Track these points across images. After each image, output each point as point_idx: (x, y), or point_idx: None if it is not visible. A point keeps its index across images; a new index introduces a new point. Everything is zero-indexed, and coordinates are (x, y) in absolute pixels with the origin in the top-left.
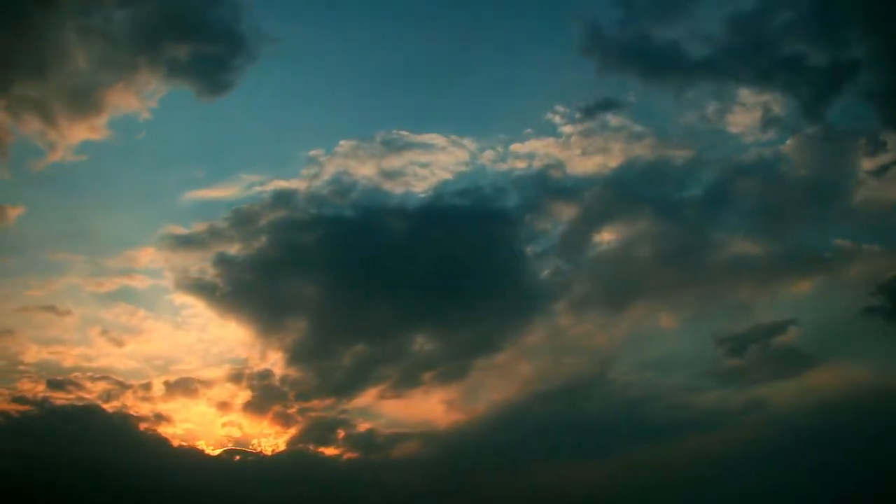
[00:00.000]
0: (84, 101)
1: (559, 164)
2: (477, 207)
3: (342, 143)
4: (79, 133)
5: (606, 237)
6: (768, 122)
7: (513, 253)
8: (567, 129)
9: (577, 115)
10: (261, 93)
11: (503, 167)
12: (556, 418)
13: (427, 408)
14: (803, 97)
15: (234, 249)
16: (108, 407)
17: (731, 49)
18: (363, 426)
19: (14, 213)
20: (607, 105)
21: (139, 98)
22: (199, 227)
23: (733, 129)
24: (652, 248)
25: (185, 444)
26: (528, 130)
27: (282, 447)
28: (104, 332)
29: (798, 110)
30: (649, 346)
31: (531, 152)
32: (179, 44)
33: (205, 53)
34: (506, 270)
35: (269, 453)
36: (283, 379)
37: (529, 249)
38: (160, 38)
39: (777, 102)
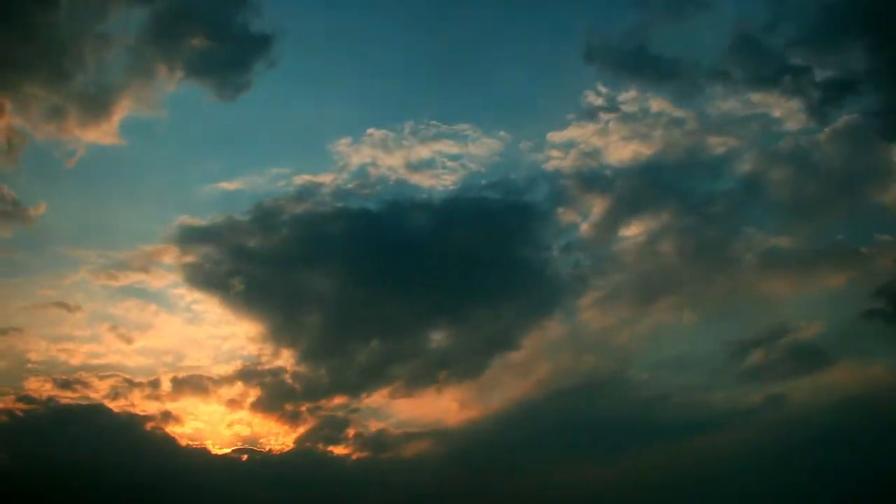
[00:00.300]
0: (102, 99)
1: (595, 153)
2: (505, 200)
3: (369, 133)
4: (97, 131)
5: (633, 231)
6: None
7: (538, 247)
8: (605, 115)
9: (619, 99)
10: (286, 84)
11: (539, 157)
12: (573, 416)
13: (440, 406)
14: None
15: (250, 244)
16: (116, 405)
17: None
18: (374, 425)
19: (35, 212)
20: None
21: (158, 95)
22: (214, 221)
23: (772, 117)
24: (678, 243)
25: (192, 442)
26: (568, 116)
27: (291, 446)
28: (114, 329)
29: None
30: (670, 343)
31: (568, 140)
32: (199, 44)
33: (225, 53)
34: (530, 266)
35: (278, 452)
36: (294, 376)
37: (555, 244)
38: (179, 38)
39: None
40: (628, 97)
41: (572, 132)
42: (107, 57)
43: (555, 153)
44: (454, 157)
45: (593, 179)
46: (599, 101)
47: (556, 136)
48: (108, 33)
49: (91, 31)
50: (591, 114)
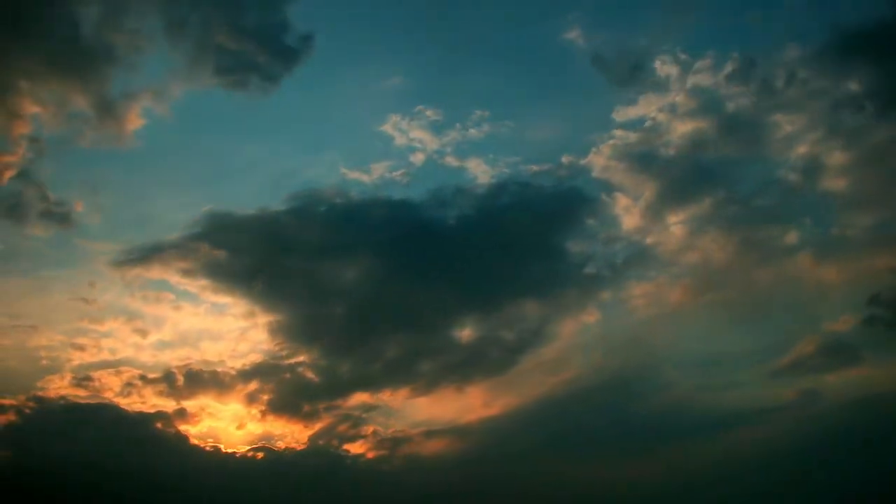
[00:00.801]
0: (132, 96)
1: (657, 128)
2: (553, 188)
3: (418, 110)
4: (127, 127)
5: (679, 219)
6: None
7: (580, 238)
8: (676, 84)
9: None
10: (328, 66)
11: (601, 137)
12: (603, 414)
13: (462, 404)
14: None
15: (276, 236)
16: (129, 402)
17: None
18: (392, 423)
19: (72, 211)
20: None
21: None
22: (241, 212)
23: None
24: (724, 234)
25: (206, 441)
26: (631, 94)
27: (307, 444)
28: (133, 325)
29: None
30: (706, 338)
31: (629, 120)
32: (229, 46)
33: (255, 59)
34: (568, 258)
35: (294, 450)
36: (313, 373)
37: (600, 233)
38: (210, 39)
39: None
40: (703, 65)
41: (640, 108)
42: (139, 54)
43: (619, 132)
44: (506, 140)
45: (650, 161)
46: (674, 71)
47: (619, 114)
48: (138, 30)
49: (121, 29)
50: (662, 85)
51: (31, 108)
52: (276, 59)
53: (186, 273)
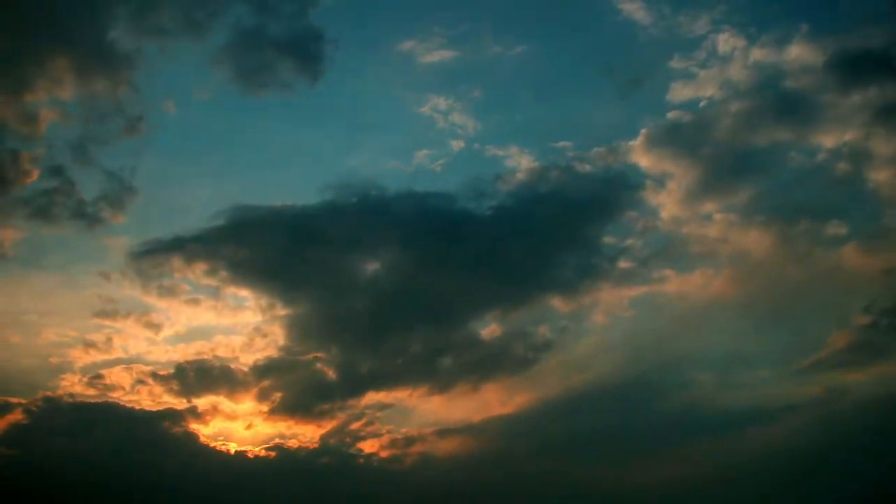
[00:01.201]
0: (161, 92)
1: (712, 108)
2: (598, 174)
3: (458, 96)
4: (151, 122)
5: (718, 207)
6: None
7: (616, 231)
8: (738, 55)
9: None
10: (361, 55)
11: (653, 119)
12: (628, 412)
13: (478, 403)
14: None
15: (295, 232)
16: (139, 400)
17: None
18: (407, 421)
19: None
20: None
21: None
22: (260, 206)
23: None
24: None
25: (218, 439)
26: (700, 63)
27: (320, 443)
28: (145, 318)
29: None
30: (741, 335)
31: (685, 101)
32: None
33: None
34: (602, 251)
35: (307, 449)
36: (328, 371)
37: (637, 224)
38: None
39: None
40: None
41: (698, 87)
42: (166, 52)
43: (672, 115)
44: (549, 122)
45: (699, 145)
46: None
47: (677, 93)
48: (164, 29)
49: (147, 28)
50: (724, 58)
51: (56, 108)
52: (303, 66)
53: (207, 268)
